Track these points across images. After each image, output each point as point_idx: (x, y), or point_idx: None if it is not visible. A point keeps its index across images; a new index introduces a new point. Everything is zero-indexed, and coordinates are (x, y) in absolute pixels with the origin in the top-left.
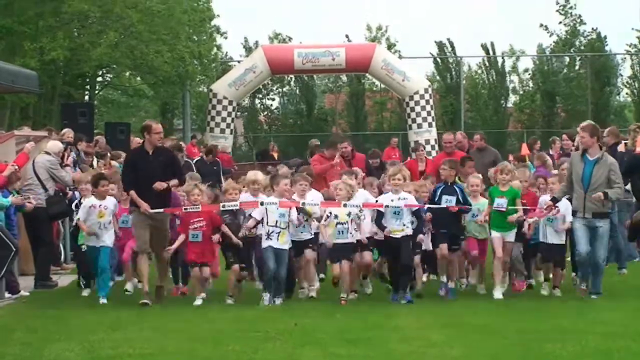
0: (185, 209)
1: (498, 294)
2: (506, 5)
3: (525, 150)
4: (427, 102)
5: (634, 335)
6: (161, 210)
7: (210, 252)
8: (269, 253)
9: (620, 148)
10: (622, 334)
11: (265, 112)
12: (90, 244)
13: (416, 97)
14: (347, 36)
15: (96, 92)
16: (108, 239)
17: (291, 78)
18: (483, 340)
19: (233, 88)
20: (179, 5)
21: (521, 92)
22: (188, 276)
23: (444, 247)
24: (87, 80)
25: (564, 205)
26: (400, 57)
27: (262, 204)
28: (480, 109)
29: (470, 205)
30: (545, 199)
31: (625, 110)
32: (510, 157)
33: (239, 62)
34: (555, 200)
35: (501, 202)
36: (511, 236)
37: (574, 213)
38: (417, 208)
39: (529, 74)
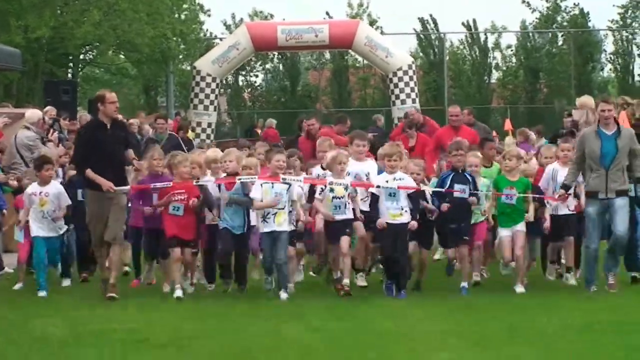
0: (153, 186)
1: (520, 288)
2: None
3: (508, 125)
4: (411, 78)
5: (614, 308)
6: (126, 187)
7: (192, 228)
8: (266, 239)
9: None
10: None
11: (249, 89)
12: (35, 237)
13: (399, 74)
14: (327, 13)
15: (79, 70)
16: (45, 228)
17: (274, 55)
18: (469, 316)
19: (216, 65)
20: None
21: (504, 68)
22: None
23: (464, 250)
24: (71, 58)
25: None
26: (382, 33)
27: (284, 180)
28: (464, 85)
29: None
30: (555, 169)
31: (609, 86)
32: (494, 134)
33: (222, 39)
34: (566, 187)
35: (511, 194)
36: (521, 226)
37: (591, 195)
38: (413, 192)
39: (512, 50)
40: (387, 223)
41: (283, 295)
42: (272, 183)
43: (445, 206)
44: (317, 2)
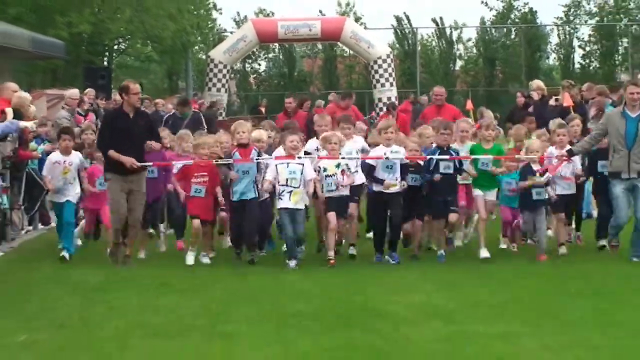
0: (175, 163)
1: (485, 253)
2: None
3: (469, 105)
4: (389, 65)
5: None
6: (149, 163)
7: (212, 209)
8: (284, 216)
9: (551, 102)
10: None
11: (254, 75)
12: (55, 200)
13: (379, 62)
14: (320, 11)
15: (113, 58)
16: (72, 194)
17: (275, 46)
18: (440, 265)
19: (227, 54)
20: None
21: (466, 58)
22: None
23: (453, 216)
24: (106, 48)
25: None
26: (365, 28)
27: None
28: (433, 72)
29: (461, 168)
30: (552, 151)
31: (553, 72)
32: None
33: (231, 33)
34: (571, 152)
35: (486, 160)
36: (492, 195)
37: (614, 175)
38: (403, 164)
39: (473, 43)
40: (383, 192)
41: (292, 263)
42: (287, 162)
43: (437, 177)
44: (311, 1)
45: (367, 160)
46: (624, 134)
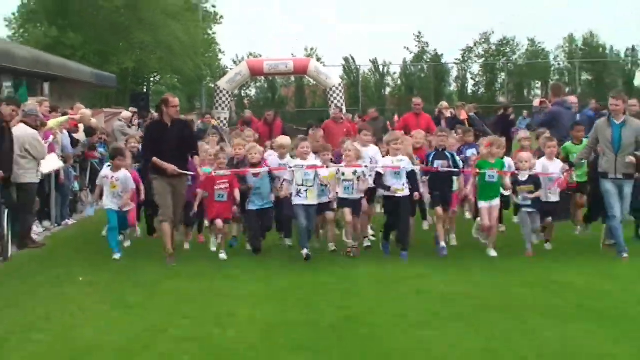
0: (215, 172)
1: (493, 253)
2: (377, 37)
3: (396, 119)
4: (340, 91)
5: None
6: (189, 172)
7: (230, 210)
8: (299, 210)
9: (448, 115)
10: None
11: (247, 98)
12: (104, 207)
13: (334, 89)
14: (292, 54)
15: (150, 86)
16: (117, 204)
17: (262, 78)
18: (459, 273)
19: (229, 84)
20: (198, 35)
21: (393, 86)
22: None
23: (439, 210)
24: (145, 79)
25: (557, 167)
26: (324, 65)
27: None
28: (369, 96)
29: (459, 169)
30: (545, 163)
31: (453, 96)
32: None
33: (231, 69)
34: (572, 165)
35: (492, 174)
36: (496, 202)
37: (604, 175)
38: (411, 171)
39: (397, 76)
40: (391, 196)
41: (304, 251)
42: (302, 165)
43: (441, 164)
44: (286, 47)
45: (377, 169)
46: (611, 139)
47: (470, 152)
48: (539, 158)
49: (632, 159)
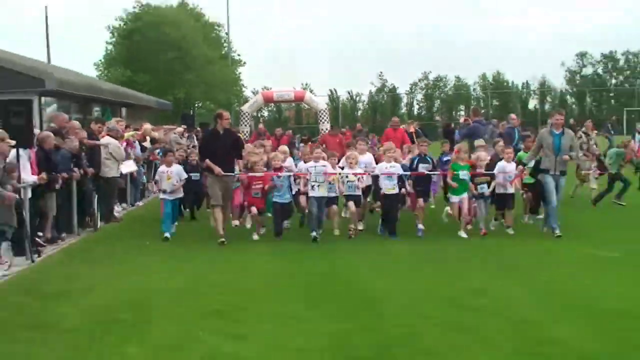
0: (252, 174)
1: (463, 234)
2: (351, 75)
3: (412, 129)
4: (326, 113)
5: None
6: (231, 173)
7: (264, 203)
8: (313, 201)
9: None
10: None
11: (261, 117)
12: (161, 197)
13: (322, 111)
14: (294, 87)
15: (195, 109)
16: (170, 194)
17: (273, 104)
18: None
19: (249, 108)
20: (228, 75)
21: (362, 109)
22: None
23: (421, 201)
24: (192, 105)
25: (512, 167)
26: (315, 94)
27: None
28: (346, 116)
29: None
30: (505, 165)
31: (404, 116)
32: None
33: (250, 98)
34: (523, 164)
35: (464, 173)
36: (465, 196)
37: (546, 171)
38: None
39: (366, 102)
40: (385, 193)
41: (313, 234)
42: (315, 165)
43: (426, 167)
44: (289, 82)
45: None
46: (552, 145)
47: (446, 159)
48: (498, 160)
49: (567, 157)
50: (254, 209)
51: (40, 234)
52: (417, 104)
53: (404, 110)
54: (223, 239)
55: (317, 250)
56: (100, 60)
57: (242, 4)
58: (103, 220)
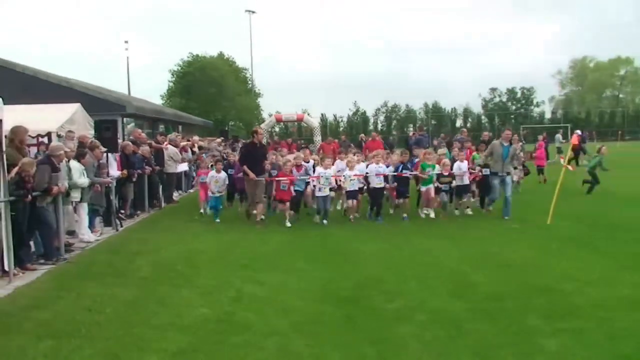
0: (278, 179)
1: (432, 214)
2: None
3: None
4: (318, 129)
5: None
6: (262, 178)
7: (290, 194)
8: (320, 199)
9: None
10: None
11: (274, 133)
12: (212, 196)
13: (315, 129)
14: (296, 111)
15: (229, 127)
16: (218, 193)
17: (282, 123)
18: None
19: (266, 126)
20: (252, 103)
21: (343, 127)
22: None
23: (404, 200)
24: (228, 124)
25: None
26: (311, 116)
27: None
28: (331, 132)
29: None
30: (461, 165)
31: (372, 132)
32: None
33: (267, 119)
34: (485, 166)
35: (429, 170)
36: (431, 187)
37: (494, 173)
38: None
39: (346, 123)
40: (373, 187)
41: (325, 222)
42: (325, 171)
43: (407, 172)
44: (292, 107)
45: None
46: (502, 154)
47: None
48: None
49: (511, 168)
50: (287, 204)
51: (123, 211)
52: (380, 123)
53: (371, 127)
54: (263, 217)
55: (316, 230)
56: (165, 93)
57: (261, 53)
58: (165, 202)
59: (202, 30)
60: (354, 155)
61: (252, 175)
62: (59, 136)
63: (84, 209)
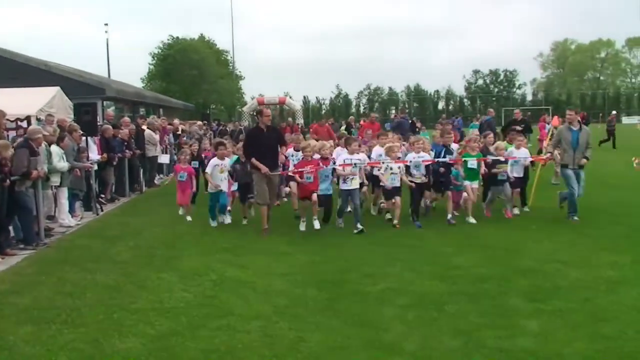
0: (299, 169)
1: (472, 220)
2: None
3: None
4: (301, 112)
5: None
6: (277, 172)
7: (316, 185)
8: (344, 194)
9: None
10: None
11: (256, 116)
12: (212, 191)
13: (297, 111)
14: (278, 95)
15: (210, 110)
16: (224, 186)
17: (264, 106)
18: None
19: (247, 109)
20: (234, 86)
21: (325, 110)
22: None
23: (448, 193)
24: (209, 107)
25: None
26: (293, 99)
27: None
28: (314, 115)
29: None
30: (517, 152)
31: (355, 114)
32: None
33: (249, 102)
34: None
35: (473, 162)
36: (476, 184)
37: (566, 165)
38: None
39: (328, 106)
40: (414, 182)
41: (359, 226)
42: (351, 159)
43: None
44: (275, 91)
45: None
46: (570, 140)
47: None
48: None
49: (584, 161)
50: (314, 196)
51: (103, 196)
52: (362, 105)
53: (353, 110)
54: (266, 227)
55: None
56: (145, 76)
57: (242, 36)
58: (146, 186)
59: (183, 12)
60: (381, 138)
61: (264, 168)
62: (38, 120)
63: (64, 193)
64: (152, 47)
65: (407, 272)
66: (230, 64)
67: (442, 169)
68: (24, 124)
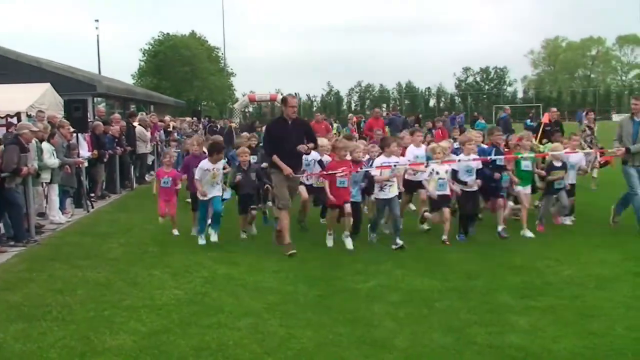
0: (329, 172)
1: (529, 233)
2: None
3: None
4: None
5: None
6: (299, 176)
7: (349, 194)
8: (380, 203)
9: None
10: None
11: (248, 112)
12: (203, 199)
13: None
14: (269, 92)
15: (202, 107)
16: (217, 191)
17: (255, 103)
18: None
19: (239, 106)
20: (225, 83)
21: (317, 107)
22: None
23: (501, 201)
24: (200, 103)
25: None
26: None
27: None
28: (306, 113)
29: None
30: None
31: (346, 111)
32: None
33: (239, 99)
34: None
35: (527, 164)
36: (529, 189)
37: (626, 162)
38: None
39: (319, 103)
40: (467, 190)
41: (399, 241)
42: (389, 161)
43: (497, 175)
44: (266, 88)
45: (453, 166)
46: (631, 133)
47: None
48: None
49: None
50: (348, 207)
51: (93, 194)
52: (354, 103)
53: (345, 107)
54: (293, 250)
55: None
56: (136, 72)
57: (233, 33)
58: (137, 183)
59: (174, 8)
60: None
61: (288, 170)
62: (29, 116)
63: (55, 190)
64: (143, 43)
65: (398, 269)
66: (222, 61)
67: (497, 174)
68: (14, 120)
